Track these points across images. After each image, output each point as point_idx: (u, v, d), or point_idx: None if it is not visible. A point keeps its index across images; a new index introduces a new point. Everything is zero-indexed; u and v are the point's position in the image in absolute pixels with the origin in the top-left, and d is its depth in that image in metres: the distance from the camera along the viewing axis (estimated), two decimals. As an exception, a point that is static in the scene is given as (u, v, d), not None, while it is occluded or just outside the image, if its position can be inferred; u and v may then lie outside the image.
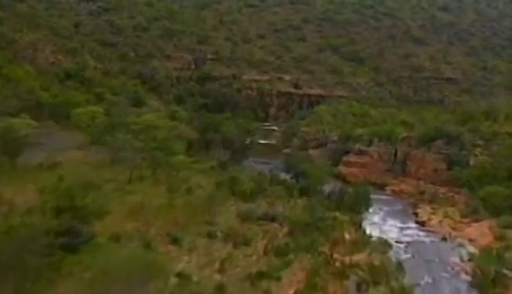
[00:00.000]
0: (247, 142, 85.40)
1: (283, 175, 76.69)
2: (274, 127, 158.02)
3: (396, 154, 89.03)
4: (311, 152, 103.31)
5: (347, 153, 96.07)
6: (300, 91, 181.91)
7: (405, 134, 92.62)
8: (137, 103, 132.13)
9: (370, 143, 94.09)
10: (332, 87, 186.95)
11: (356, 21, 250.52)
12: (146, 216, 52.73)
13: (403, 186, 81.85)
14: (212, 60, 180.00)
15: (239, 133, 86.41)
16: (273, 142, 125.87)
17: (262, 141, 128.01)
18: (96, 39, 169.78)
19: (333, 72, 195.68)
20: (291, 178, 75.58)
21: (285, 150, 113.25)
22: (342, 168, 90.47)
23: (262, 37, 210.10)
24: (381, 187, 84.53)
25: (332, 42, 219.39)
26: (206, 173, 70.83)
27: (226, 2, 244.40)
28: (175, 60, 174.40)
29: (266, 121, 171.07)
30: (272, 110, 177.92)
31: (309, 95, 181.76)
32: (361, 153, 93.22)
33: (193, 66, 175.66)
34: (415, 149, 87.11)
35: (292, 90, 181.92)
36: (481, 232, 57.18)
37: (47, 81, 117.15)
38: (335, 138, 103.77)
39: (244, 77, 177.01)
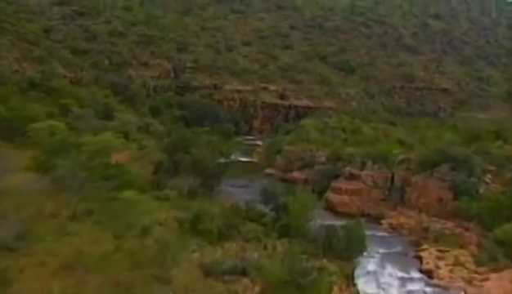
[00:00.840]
0: (222, 165, 72.93)
1: (261, 206, 64.76)
2: (258, 142, 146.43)
3: (393, 180, 77.35)
4: (296, 174, 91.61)
5: (336, 176, 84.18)
6: (286, 103, 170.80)
7: (403, 156, 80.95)
8: (107, 115, 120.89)
9: (363, 165, 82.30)
10: (320, 98, 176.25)
11: (346, 29, 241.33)
12: (82, 272, 40.19)
13: (402, 219, 69.98)
14: (192, 68, 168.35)
15: (213, 154, 74.06)
16: (255, 160, 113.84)
17: (243, 159, 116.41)
18: (67, 46, 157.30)
19: (321, 82, 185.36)
20: (271, 210, 63.63)
21: (268, 170, 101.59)
22: (331, 195, 78.43)
23: (246, 44, 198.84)
24: (377, 220, 72.69)
25: (321, 50, 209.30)
26: (168, 206, 59.09)
27: (211, 8, 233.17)
28: (152, 68, 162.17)
29: (249, 134, 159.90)
30: (256, 123, 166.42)
31: (296, 107, 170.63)
32: (352, 177, 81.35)
33: (172, 75, 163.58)
34: (415, 173, 75.25)
35: (278, 101, 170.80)
36: (503, 289, 45.49)
37: (7, 91, 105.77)
38: (323, 158, 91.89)
39: (227, 86, 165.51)
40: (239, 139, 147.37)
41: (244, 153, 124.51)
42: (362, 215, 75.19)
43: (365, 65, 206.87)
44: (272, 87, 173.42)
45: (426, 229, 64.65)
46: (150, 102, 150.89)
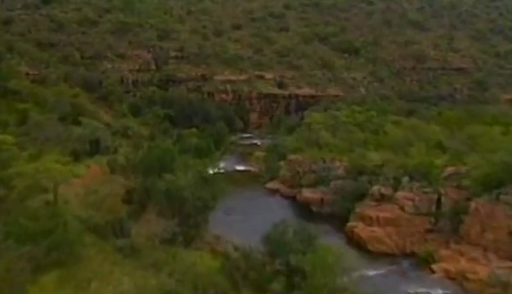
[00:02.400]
0: (207, 196, 52.21)
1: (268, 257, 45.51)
2: (256, 141, 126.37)
3: (440, 203, 57.17)
4: (307, 193, 71.55)
5: (361, 196, 64.17)
6: (286, 92, 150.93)
7: (451, 169, 60.79)
8: (76, 120, 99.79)
9: (397, 183, 62.16)
10: (324, 85, 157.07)
11: (345, 6, 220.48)
12: None
13: (464, 264, 49.90)
14: (176, 58, 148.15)
15: (196, 181, 53.45)
16: (254, 168, 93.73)
17: (239, 168, 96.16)
18: (31, 38, 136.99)
19: (323, 66, 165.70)
20: (281, 267, 44.17)
21: (271, 185, 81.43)
22: (358, 227, 58.37)
23: (237, 27, 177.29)
24: (425, 262, 52.70)
25: (319, 30, 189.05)
26: (134, 266, 41.22)
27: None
28: (130, 60, 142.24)
29: (245, 131, 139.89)
30: (253, 117, 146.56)
31: (297, 96, 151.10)
32: (384, 199, 61.37)
33: (153, 67, 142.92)
34: (471, 195, 55.18)
35: (276, 90, 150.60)
36: None
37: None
38: (341, 170, 71.74)
39: (217, 77, 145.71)
40: (233, 138, 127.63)
41: (240, 159, 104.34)
42: (404, 254, 55.41)
43: (369, 45, 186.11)
44: (269, 75, 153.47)
45: (506, 286, 44.37)
46: (129, 100, 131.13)
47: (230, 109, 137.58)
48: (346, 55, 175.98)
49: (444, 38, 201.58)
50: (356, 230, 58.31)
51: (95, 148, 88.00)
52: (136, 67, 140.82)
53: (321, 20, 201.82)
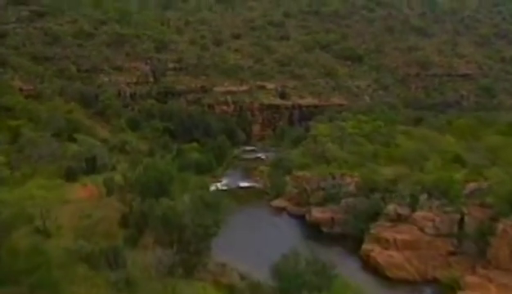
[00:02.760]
0: (209, 223, 47.57)
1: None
2: (259, 154, 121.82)
3: (463, 224, 52.57)
4: (317, 212, 66.88)
5: (375, 215, 59.56)
6: (288, 102, 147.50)
7: (472, 184, 56.22)
8: (70, 136, 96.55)
9: (414, 201, 57.52)
10: (327, 94, 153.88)
11: (345, 13, 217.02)
12: None
13: (495, 292, 45.24)
14: (174, 69, 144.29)
15: (196, 206, 48.79)
16: (258, 184, 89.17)
17: (243, 184, 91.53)
18: (25, 52, 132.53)
19: (326, 75, 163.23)
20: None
21: (277, 202, 76.81)
22: (374, 251, 53.69)
23: (236, 37, 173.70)
24: (449, 289, 47.95)
25: (321, 38, 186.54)
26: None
27: (193, 1, 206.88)
28: (128, 72, 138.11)
29: (248, 143, 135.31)
30: (256, 129, 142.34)
31: (300, 107, 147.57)
32: (401, 219, 56.70)
33: (151, 79, 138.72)
34: (497, 214, 50.56)
35: (278, 101, 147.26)
36: None
37: None
38: (352, 187, 67.18)
39: (217, 88, 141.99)
40: (236, 151, 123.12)
41: (244, 175, 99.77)
42: (425, 280, 50.76)
43: (372, 52, 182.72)
44: (270, 85, 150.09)
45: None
46: (127, 114, 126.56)
47: (231, 121, 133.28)
48: (349, 62, 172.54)
49: (448, 44, 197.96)
50: (372, 255, 53.60)
51: (91, 165, 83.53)
52: (134, 79, 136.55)
53: (322, 27, 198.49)
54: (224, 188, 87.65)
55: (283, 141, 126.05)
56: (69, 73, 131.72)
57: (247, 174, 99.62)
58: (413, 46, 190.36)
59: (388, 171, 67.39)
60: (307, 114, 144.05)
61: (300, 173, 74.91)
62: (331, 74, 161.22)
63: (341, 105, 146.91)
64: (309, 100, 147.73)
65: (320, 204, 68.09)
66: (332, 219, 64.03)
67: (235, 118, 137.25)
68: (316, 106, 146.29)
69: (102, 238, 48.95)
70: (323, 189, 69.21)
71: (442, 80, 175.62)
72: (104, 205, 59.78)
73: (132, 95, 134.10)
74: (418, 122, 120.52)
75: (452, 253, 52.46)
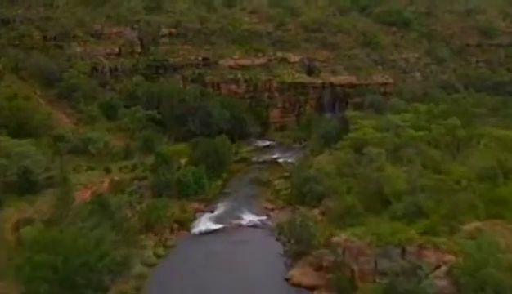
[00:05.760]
0: None
1: None
2: (276, 154, 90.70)
3: None
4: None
5: None
6: (318, 80, 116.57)
7: None
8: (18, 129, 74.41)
9: None
10: (367, 69, 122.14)
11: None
12: None
13: None
14: (170, 36, 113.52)
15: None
16: (270, 222, 57.64)
17: (246, 219, 59.75)
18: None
19: (365, 44, 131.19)
20: None
21: (296, 274, 44.56)
22: None
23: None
24: None
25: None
26: None
27: None
28: (108, 40, 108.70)
29: (263, 135, 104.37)
30: (274, 114, 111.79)
31: (332, 86, 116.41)
32: None
33: (138, 49, 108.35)
34: None
35: (304, 78, 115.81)
36: None
37: None
38: (441, 272, 34.56)
39: (224, 61, 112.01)
40: (245, 149, 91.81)
41: (250, 196, 67.93)
42: None
43: (422, 16, 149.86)
44: (294, 58, 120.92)
45: None
46: (102, 97, 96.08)
47: (240, 106, 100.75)
48: (394, 28, 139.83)
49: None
50: None
51: (25, 183, 59.34)
52: (116, 50, 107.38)
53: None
54: (214, 227, 56.49)
55: (309, 134, 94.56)
56: (30, 41, 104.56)
57: (255, 194, 68.05)
58: (472, 8, 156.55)
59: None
60: (341, 96, 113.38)
61: (339, 238, 41.89)
62: (372, 44, 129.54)
63: (385, 85, 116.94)
64: (344, 78, 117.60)
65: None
66: None
67: (245, 101, 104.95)
68: (353, 85, 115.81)
69: None
70: (384, 274, 36.52)
71: (509, 51, 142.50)
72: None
73: (113, 71, 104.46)
74: (494, 111, 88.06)
75: None
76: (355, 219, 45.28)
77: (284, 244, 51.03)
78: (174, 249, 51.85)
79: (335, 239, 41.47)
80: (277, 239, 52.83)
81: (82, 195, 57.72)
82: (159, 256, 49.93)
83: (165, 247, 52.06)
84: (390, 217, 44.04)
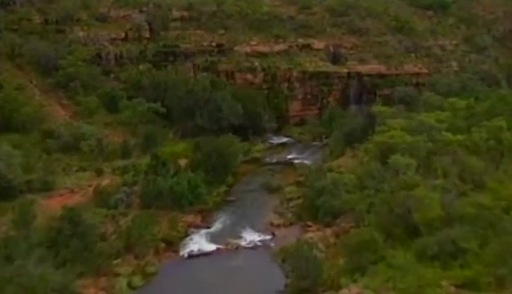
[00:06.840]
0: None
1: None
2: (292, 154, 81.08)
3: None
4: None
5: None
6: (343, 69, 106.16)
7: None
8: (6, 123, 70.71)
9: None
10: (398, 58, 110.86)
11: None
12: None
13: None
14: (181, 20, 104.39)
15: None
16: (274, 243, 48.20)
17: (248, 240, 50.82)
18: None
19: (397, 29, 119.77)
20: None
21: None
22: None
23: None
24: None
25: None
26: None
27: None
28: (114, 24, 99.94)
29: (280, 131, 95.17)
30: (294, 107, 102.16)
31: (360, 76, 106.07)
32: None
33: (147, 34, 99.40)
34: None
35: (328, 67, 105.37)
36: None
37: None
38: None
39: (240, 48, 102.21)
40: (258, 148, 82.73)
41: (256, 206, 58.56)
42: None
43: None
44: (318, 44, 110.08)
45: None
46: (104, 86, 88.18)
47: (255, 98, 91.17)
48: (430, 12, 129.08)
49: None
50: None
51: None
52: (122, 35, 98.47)
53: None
54: (207, 248, 47.45)
55: (331, 131, 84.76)
56: (30, 25, 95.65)
57: (261, 204, 58.79)
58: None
59: None
60: (369, 87, 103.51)
61: (349, 288, 32.30)
62: (405, 29, 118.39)
63: (418, 75, 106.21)
64: (373, 67, 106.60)
65: None
66: None
67: (262, 93, 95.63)
68: (382, 75, 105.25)
69: None
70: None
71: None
72: None
73: (118, 58, 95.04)
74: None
75: None
76: (373, 254, 35.71)
77: (287, 275, 41.80)
78: (154, 278, 42.80)
79: (344, 292, 31.90)
80: (280, 266, 43.83)
81: (52, 206, 49.29)
82: (134, 288, 41.13)
83: (144, 274, 42.98)
84: (418, 254, 34.37)
